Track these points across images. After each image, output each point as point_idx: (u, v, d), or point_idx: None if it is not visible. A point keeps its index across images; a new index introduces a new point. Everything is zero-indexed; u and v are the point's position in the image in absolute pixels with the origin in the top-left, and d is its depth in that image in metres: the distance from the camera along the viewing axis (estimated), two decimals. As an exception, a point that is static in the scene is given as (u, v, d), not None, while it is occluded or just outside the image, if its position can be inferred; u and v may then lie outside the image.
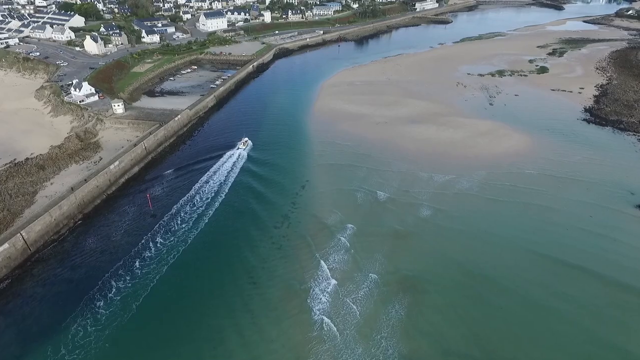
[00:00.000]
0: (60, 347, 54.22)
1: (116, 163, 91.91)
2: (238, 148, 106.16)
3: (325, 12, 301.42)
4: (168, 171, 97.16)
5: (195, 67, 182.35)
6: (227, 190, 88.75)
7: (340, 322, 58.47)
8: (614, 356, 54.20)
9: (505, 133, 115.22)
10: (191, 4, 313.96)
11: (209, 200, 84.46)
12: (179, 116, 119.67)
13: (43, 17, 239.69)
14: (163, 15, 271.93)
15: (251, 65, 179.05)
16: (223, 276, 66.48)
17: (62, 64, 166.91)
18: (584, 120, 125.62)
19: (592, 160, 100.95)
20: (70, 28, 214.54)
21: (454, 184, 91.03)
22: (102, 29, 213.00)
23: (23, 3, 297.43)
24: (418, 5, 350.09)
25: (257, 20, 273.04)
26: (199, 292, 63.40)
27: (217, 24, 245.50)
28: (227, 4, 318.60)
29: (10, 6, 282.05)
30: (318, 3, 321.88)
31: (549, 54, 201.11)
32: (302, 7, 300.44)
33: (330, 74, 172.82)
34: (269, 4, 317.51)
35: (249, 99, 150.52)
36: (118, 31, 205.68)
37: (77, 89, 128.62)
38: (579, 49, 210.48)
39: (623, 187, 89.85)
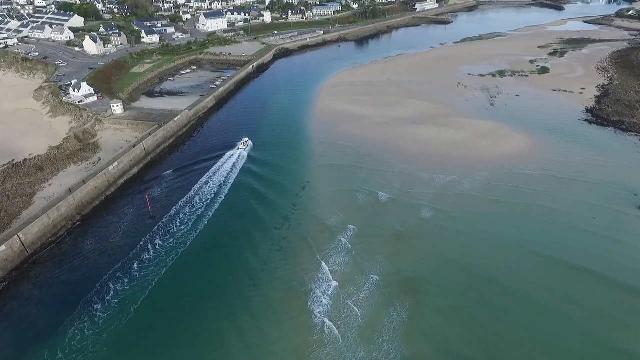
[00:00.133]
0: (57, 351, 53.49)
1: (115, 164, 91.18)
2: (238, 148, 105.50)
3: (326, 13, 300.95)
4: (167, 172, 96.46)
5: (195, 67, 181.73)
6: (227, 191, 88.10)
7: (342, 324, 57.84)
8: (619, 359, 53.48)
9: (506, 134, 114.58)
10: (191, 4, 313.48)
11: (208, 201, 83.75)
12: (179, 117, 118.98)
13: (42, 18, 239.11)
14: (163, 15, 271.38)
15: (251, 66, 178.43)
16: (223, 278, 65.79)
17: (61, 64, 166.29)
18: (586, 120, 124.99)
19: (594, 161, 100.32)
20: (70, 28, 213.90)
21: (455, 185, 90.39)
22: (101, 29, 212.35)
23: (22, 3, 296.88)
24: (418, 6, 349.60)
25: (257, 21, 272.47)
26: (199, 295, 62.68)
27: (217, 24, 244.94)
28: (227, 5, 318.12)
29: (9, 6, 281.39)
30: (318, 3, 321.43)
31: (550, 54, 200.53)
32: (302, 8, 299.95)
33: (330, 74, 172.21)
34: (269, 4, 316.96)
35: (249, 100, 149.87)
36: (117, 31, 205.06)
37: (76, 90, 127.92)
38: (579, 49, 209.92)
39: (626, 188, 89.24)
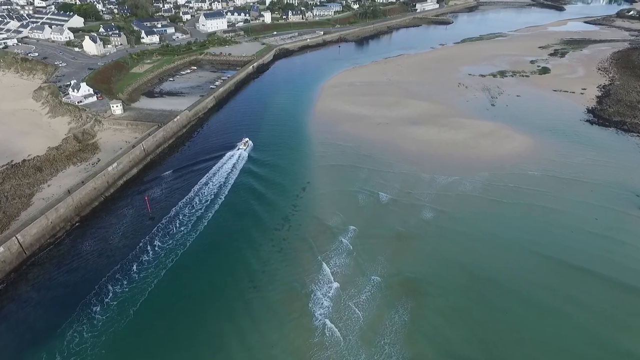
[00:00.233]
0: (55, 354, 52.96)
1: (114, 165, 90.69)
2: (238, 148, 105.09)
3: (326, 13, 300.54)
4: (167, 173, 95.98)
5: (195, 67, 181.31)
6: (227, 192, 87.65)
7: (343, 326, 57.39)
8: (621, 361, 53.12)
9: (507, 134, 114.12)
10: (191, 5, 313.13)
11: (208, 202, 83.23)
12: (178, 117, 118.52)
13: (42, 18, 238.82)
14: (163, 15, 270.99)
15: (251, 66, 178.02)
16: (223, 280, 65.31)
17: (60, 65, 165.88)
18: (587, 121, 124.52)
19: (596, 162, 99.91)
20: (70, 29, 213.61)
21: (456, 185, 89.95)
22: (101, 30, 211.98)
23: (22, 4, 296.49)
24: (418, 6, 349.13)
25: (257, 21, 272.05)
26: (198, 297, 62.19)
27: (217, 25, 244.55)
28: (227, 5, 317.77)
29: (9, 7, 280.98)
30: (318, 4, 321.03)
31: (551, 54, 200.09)
32: (302, 8, 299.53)
33: (330, 74, 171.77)
34: (269, 4, 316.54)
35: (249, 100, 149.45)
36: (117, 32, 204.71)
37: (75, 90, 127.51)
38: (580, 49, 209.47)
39: (627, 189, 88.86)
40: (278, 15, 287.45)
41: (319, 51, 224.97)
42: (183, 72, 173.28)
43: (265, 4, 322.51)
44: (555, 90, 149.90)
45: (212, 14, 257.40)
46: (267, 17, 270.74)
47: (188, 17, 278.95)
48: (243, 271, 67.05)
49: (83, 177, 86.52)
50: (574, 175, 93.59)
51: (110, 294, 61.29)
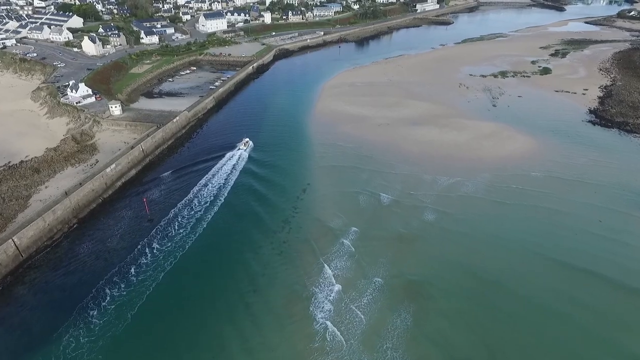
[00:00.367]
0: (51, 359, 51.88)
1: (113, 166, 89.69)
2: (239, 149, 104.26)
3: (326, 13, 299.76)
4: (166, 174, 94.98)
5: (195, 68, 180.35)
6: (227, 193, 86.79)
7: (345, 329, 56.58)
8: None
9: (509, 135, 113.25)
10: (191, 5, 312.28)
11: (207, 204, 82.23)
12: (178, 118, 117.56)
13: (41, 18, 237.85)
14: (162, 16, 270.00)
15: (251, 67, 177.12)
16: (223, 282, 64.41)
17: (59, 65, 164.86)
18: (589, 121, 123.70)
19: (599, 163, 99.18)
20: (69, 29, 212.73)
21: (458, 186, 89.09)
22: (100, 30, 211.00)
23: (22, 4, 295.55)
24: (419, 7, 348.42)
25: (257, 21, 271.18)
26: (198, 300, 61.26)
27: (216, 25, 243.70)
28: (226, 5, 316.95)
29: (8, 7, 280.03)
30: (318, 4, 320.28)
31: (552, 55, 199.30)
32: (302, 8, 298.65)
33: (331, 75, 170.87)
34: (269, 5, 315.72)
35: (249, 100, 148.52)
36: (117, 32, 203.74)
37: (74, 90, 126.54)
38: (581, 50, 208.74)
39: (631, 190, 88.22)
40: (278, 16, 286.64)
41: (319, 51, 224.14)
42: (182, 73, 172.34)
43: (265, 4, 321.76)
44: (556, 91, 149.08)
45: (211, 15, 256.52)
46: (267, 18, 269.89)
47: (188, 17, 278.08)
48: (243, 273, 66.14)
49: (81, 179, 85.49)
50: (577, 177, 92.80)
51: (108, 298, 60.28)
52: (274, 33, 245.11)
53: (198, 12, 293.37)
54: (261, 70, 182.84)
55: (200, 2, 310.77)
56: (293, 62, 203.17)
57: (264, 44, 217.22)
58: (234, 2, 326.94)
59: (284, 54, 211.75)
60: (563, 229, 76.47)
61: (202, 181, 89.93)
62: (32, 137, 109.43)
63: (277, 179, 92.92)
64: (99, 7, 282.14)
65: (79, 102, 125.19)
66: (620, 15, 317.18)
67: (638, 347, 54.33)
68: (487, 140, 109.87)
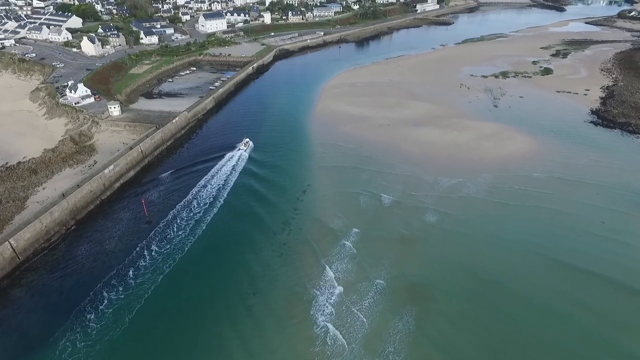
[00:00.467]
0: (47, 364, 51.17)
1: (111, 167, 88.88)
2: (239, 149, 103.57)
3: (326, 14, 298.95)
4: (165, 175, 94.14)
5: (194, 68, 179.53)
6: (227, 193, 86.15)
7: (347, 332, 55.96)
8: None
9: (511, 135, 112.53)
10: (190, 5, 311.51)
11: (207, 205, 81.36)
12: (177, 118, 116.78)
13: (40, 18, 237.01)
14: (162, 16, 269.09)
15: (251, 67, 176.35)
16: (222, 285, 63.63)
17: (58, 65, 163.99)
18: (591, 122, 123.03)
19: (601, 163, 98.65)
20: (68, 29, 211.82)
21: (460, 187, 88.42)
22: (99, 30, 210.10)
23: (21, 4, 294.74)
24: (419, 7, 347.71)
25: (257, 22, 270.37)
26: (197, 302, 60.49)
27: (216, 25, 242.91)
28: (226, 5, 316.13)
29: (7, 7, 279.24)
30: (318, 4, 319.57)
31: (553, 55, 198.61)
32: (302, 9, 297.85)
33: (331, 75, 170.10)
34: (269, 5, 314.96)
35: (249, 101, 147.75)
36: (116, 32, 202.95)
37: (73, 91, 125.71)
38: (582, 50, 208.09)
39: (633, 191, 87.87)
40: (278, 16, 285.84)
41: (319, 52, 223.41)
42: (182, 73, 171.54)
43: (265, 4, 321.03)
44: (558, 91, 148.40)
45: (211, 15, 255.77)
46: (267, 18, 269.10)
47: (187, 17, 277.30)
48: (243, 275, 65.45)
49: (79, 180, 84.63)
50: (579, 177, 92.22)
51: (106, 301, 59.41)
52: (272, 33, 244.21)
53: (198, 12, 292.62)
54: (261, 70, 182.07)
55: (200, 2, 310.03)
56: (293, 63, 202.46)
57: (263, 45, 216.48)
58: (233, 2, 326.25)
59: (284, 54, 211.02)
60: (565, 229, 76.07)
61: (202, 182, 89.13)
62: (30, 137, 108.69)
63: (278, 179, 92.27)
64: (98, 7, 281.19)
65: (78, 102, 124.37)
66: (621, 15, 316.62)
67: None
68: (488, 141, 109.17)
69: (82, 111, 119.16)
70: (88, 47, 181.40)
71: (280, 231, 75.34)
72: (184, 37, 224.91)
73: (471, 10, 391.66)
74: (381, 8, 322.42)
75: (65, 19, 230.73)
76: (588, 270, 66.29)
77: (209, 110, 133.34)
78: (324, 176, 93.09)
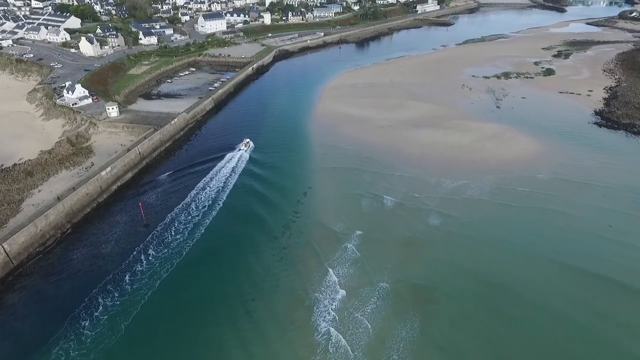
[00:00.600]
0: (39, 374, 49.49)
1: (108, 169, 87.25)
2: (239, 149, 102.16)
3: (326, 14, 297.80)
4: (163, 177, 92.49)
5: (194, 69, 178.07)
6: (227, 194, 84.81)
7: (350, 336, 54.59)
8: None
9: (514, 136, 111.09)
10: (190, 6, 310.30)
11: (205, 208, 79.66)
12: (176, 119, 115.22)
13: (38, 19, 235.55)
14: (161, 17, 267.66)
15: (251, 68, 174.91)
16: (222, 289, 62.09)
17: (56, 66, 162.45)
18: (595, 123, 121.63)
19: (606, 165, 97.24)
20: (66, 30, 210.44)
21: (463, 189, 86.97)
22: (98, 31, 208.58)
23: (19, 4, 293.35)
24: (419, 8, 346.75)
25: (257, 22, 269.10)
26: (196, 307, 58.92)
27: (216, 26, 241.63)
28: (226, 6, 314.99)
29: (5, 7, 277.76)
30: (318, 5, 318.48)
31: (554, 55, 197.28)
32: (302, 9, 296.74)
33: (331, 76, 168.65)
34: (268, 5, 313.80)
35: (248, 102, 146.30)
36: (115, 33, 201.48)
37: (70, 92, 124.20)
38: (584, 50, 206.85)
39: (639, 192, 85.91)
40: (278, 17, 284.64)
41: (320, 52, 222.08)
42: (181, 74, 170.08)
43: (264, 5, 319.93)
44: (560, 92, 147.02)
45: (211, 15, 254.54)
46: (267, 18, 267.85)
47: (187, 18, 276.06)
48: (244, 279, 63.97)
49: (75, 182, 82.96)
50: (584, 179, 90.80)
51: (101, 307, 57.70)
52: (269, 35, 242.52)
53: (197, 13, 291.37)
54: (261, 71, 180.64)
55: (200, 2, 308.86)
56: (293, 63, 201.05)
57: (263, 45, 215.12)
58: (233, 2, 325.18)
59: (284, 55, 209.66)
60: (571, 232, 74.80)
61: (200, 184, 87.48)
62: (27, 139, 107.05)
63: (279, 180, 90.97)
64: (97, 7, 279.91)
65: (76, 103, 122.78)
66: (622, 16, 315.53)
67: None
68: (491, 142, 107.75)
69: (80, 112, 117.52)
70: (86, 47, 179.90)
71: (281, 234, 73.78)
72: (183, 37, 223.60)
73: (471, 11, 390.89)
74: (381, 9, 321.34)
75: (63, 19, 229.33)
76: (595, 273, 65.02)
77: (208, 111, 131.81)
78: (325, 177, 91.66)
